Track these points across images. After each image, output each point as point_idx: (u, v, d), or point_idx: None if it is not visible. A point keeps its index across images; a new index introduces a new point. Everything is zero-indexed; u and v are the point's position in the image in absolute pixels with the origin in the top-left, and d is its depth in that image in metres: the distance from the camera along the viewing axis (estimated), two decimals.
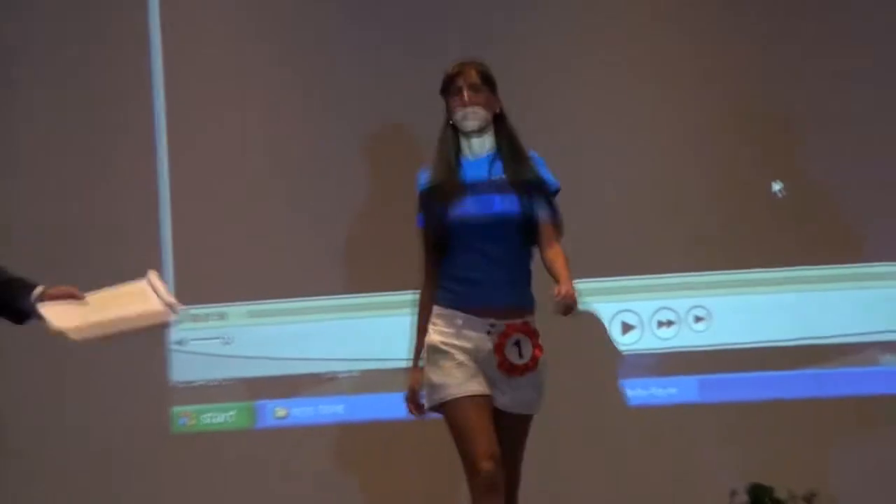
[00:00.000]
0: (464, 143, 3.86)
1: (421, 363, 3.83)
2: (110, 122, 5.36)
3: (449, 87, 3.86)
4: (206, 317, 5.30)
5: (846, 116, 5.06)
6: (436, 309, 3.80)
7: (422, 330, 3.82)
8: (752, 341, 4.97)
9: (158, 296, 3.67)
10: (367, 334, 5.28)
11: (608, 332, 5.03)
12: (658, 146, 5.20)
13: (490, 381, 3.72)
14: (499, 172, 3.84)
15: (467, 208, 3.78)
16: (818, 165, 5.05)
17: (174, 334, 5.18)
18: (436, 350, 3.76)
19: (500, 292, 3.75)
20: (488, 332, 3.70)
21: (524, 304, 3.77)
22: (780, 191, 4.99)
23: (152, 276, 3.67)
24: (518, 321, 3.72)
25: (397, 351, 4.80)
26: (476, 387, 3.72)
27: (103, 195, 5.32)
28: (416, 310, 3.85)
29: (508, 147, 3.86)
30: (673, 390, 5.04)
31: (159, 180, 5.32)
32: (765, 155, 5.10)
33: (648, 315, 5.01)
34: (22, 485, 5.12)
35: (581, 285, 4.72)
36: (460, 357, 3.73)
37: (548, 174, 3.91)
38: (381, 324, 5.21)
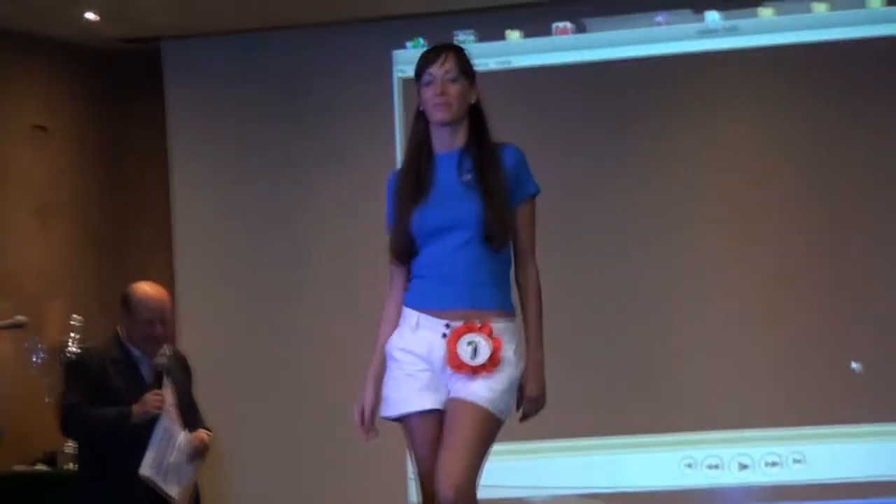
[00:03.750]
0: (435, 135, 3.47)
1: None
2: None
3: (422, 75, 3.46)
4: None
5: None
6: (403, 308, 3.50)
7: (380, 345, 3.52)
8: (836, 478, 6.20)
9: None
10: (555, 468, 6.46)
11: None
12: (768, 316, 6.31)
13: (442, 384, 3.41)
14: (468, 170, 3.45)
15: (429, 211, 3.42)
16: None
17: (411, 469, 6.33)
18: (390, 356, 3.47)
19: (458, 295, 3.40)
20: (444, 335, 3.38)
21: (489, 308, 3.40)
22: (858, 369, 6.20)
23: None
24: (477, 323, 3.37)
25: (577, 481, 6.36)
26: (422, 402, 3.40)
27: None
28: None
29: (478, 144, 3.46)
30: None
31: None
32: (849, 328, 6.24)
33: (758, 457, 6.26)
34: None
35: (708, 436, 6.23)
36: (410, 368, 3.41)
37: (527, 175, 3.52)
38: (567, 462, 6.45)
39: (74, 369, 5.06)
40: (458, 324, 3.33)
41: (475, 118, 3.46)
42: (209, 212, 6.99)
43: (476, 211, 3.36)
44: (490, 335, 3.31)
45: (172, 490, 4.89)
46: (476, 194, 3.37)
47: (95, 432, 4.85)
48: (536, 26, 6.74)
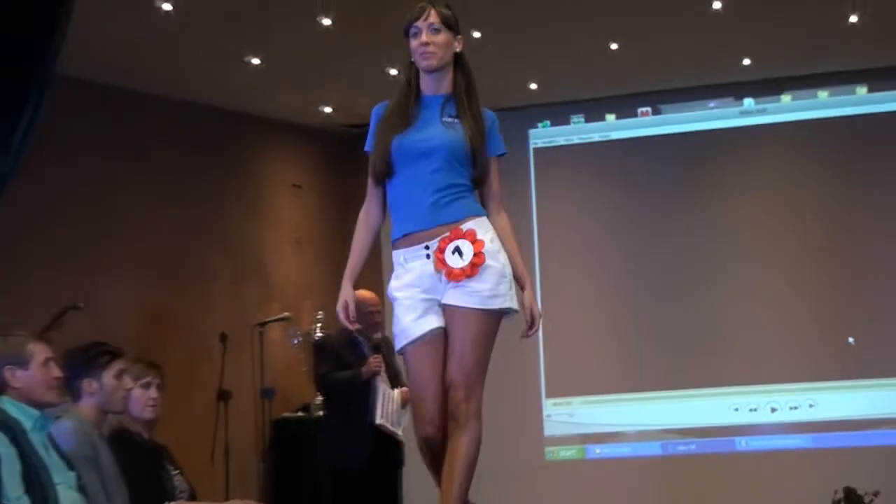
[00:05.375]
0: (423, 80, 3.51)
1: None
2: None
3: (410, 29, 3.49)
4: (561, 404, 8.22)
5: None
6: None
7: (355, 250, 3.57)
8: (841, 417, 7.90)
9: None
10: (642, 411, 8.12)
11: None
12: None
13: (437, 302, 3.39)
14: (450, 115, 3.47)
15: (408, 139, 3.42)
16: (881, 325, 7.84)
17: (546, 411, 8.13)
18: (392, 300, 3.48)
19: (430, 215, 3.40)
20: (427, 256, 3.38)
21: (459, 218, 3.42)
22: (853, 342, 7.90)
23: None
24: (447, 232, 3.38)
25: (658, 420, 8.04)
26: (421, 327, 3.37)
27: None
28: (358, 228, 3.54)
29: (464, 88, 3.50)
30: (798, 441, 7.95)
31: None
32: (846, 315, 7.90)
33: (784, 403, 8.05)
34: None
35: (747, 388, 7.82)
36: (407, 300, 3.40)
37: (499, 137, 3.54)
38: (650, 407, 8.10)
39: (321, 348, 6.20)
40: (434, 242, 3.40)
41: (460, 67, 3.54)
42: None
43: (450, 143, 3.41)
44: (464, 236, 3.39)
45: (398, 430, 5.95)
46: (454, 132, 3.44)
47: (339, 390, 5.95)
48: (626, 110, 8.32)
